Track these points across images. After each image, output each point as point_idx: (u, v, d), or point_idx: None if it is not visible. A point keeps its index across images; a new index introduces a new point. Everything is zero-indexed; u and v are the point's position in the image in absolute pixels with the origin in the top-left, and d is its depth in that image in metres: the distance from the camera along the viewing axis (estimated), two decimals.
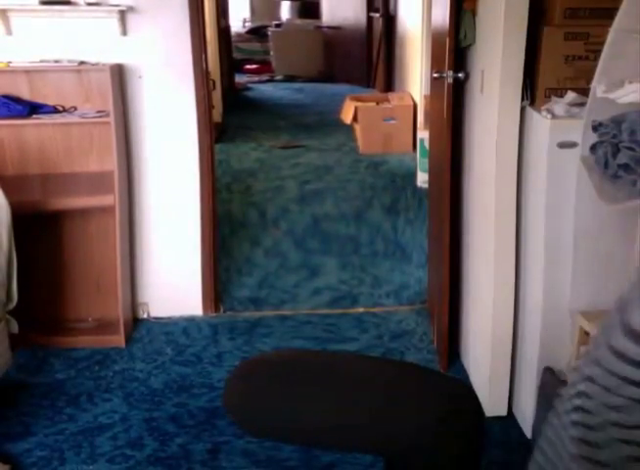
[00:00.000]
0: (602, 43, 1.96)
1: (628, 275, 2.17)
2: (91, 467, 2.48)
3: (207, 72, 3.40)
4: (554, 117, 2.27)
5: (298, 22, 10.49)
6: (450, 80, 2.75)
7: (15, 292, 2.85)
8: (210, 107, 3.49)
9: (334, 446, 1.57)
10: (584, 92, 2.17)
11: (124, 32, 3.22)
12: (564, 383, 2.24)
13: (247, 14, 11.61)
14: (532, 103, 2.43)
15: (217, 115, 5.88)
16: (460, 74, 2.77)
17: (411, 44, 6.03)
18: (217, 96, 5.99)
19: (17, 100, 3.15)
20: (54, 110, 3.19)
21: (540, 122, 2.33)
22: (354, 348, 3.27)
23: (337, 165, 5.27)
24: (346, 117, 6.06)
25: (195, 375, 3.06)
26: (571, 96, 2.31)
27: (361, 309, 3.65)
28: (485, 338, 2.73)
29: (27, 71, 3.18)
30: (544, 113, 2.31)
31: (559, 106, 2.30)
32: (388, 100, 6.07)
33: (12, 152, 3.27)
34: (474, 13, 2.69)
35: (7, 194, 2.80)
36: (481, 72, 2.62)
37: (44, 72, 3.20)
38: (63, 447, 2.58)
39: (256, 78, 9.46)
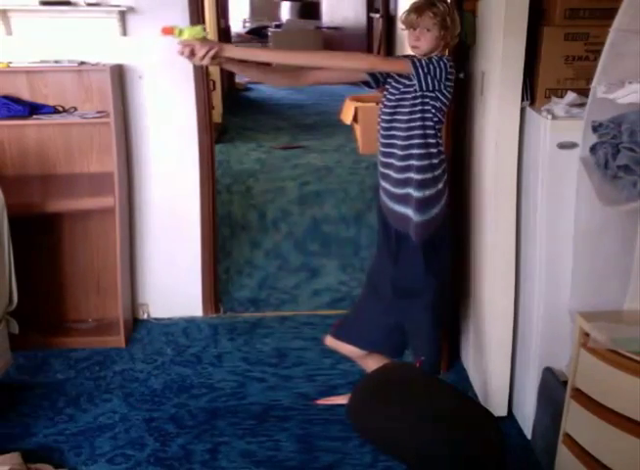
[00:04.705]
0: (602, 43, 1.96)
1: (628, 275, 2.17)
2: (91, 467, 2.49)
3: (207, 73, 3.40)
4: (554, 117, 2.27)
5: (298, 22, 10.49)
6: None
7: (15, 292, 2.85)
8: (210, 107, 3.48)
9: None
10: (584, 92, 2.17)
11: (124, 32, 3.22)
12: (564, 383, 2.23)
13: (247, 14, 11.62)
14: (532, 103, 2.43)
15: (217, 115, 5.87)
16: (460, 75, 2.77)
17: None
18: (217, 96, 5.98)
19: (17, 100, 3.15)
20: (54, 110, 3.19)
21: (540, 123, 2.33)
22: None
23: (337, 166, 5.26)
24: (347, 117, 6.05)
25: (195, 376, 3.06)
26: (570, 96, 2.31)
27: None
28: (485, 338, 2.73)
29: (27, 72, 3.18)
30: (544, 113, 2.31)
31: (559, 106, 2.30)
32: None
33: (12, 152, 3.27)
34: (474, 14, 2.69)
35: (7, 195, 2.79)
36: (482, 73, 2.62)
37: (44, 73, 3.20)
38: (63, 448, 2.58)
39: None
